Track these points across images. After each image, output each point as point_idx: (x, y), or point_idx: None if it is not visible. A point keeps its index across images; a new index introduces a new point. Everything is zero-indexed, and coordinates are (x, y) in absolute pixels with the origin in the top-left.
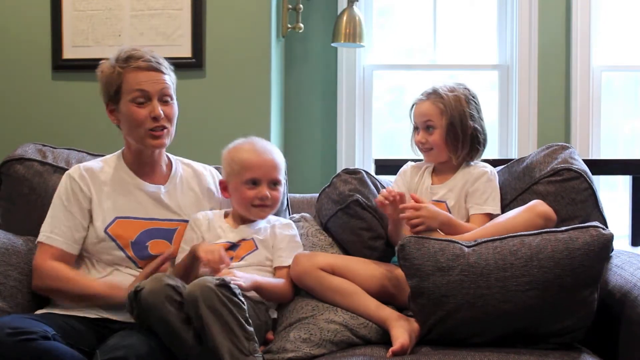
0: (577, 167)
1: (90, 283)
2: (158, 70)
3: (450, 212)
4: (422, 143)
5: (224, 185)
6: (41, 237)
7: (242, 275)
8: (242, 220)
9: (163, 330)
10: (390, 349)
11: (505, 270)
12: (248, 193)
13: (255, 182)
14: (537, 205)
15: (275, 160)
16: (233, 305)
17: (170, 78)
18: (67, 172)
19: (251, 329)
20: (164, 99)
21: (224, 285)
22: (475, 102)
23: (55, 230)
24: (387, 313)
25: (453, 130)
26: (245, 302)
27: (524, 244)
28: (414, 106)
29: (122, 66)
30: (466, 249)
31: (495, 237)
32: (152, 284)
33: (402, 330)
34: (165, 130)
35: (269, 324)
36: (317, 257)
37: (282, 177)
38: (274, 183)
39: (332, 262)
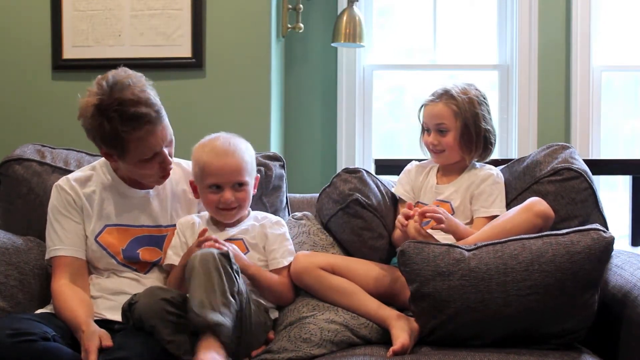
0: (577, 166)
1: (78, 319)
2: (162, 119)
3: (454, 212)
4: (434, 145)
5: (194, 186)
6: (51, 253)
7: (242, 256)
8: (224, 225)
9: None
10: (391, 349)
11: (506, 274)
12: (211, 197)
13: (217, 187)
14: (535, 204)
15: (237, 161)
16: (225, 273)
17: (163, 112)
18: (56, 184)
19: (232, 300)
20: (168, 144)
21: (225, 255)
22: (486, 103)
23: (64, 240)
24: (387, 313)
25: (467, 132)
26: (238, 280)
27: (524, 248)
28: (424, 107)
29: (124, 130)
30: (466, 254)
31: (496, 241)
32: (146, 298)
33: (402, 330)
34: (169, 171)
35: (268, 324)
36: (317, 257)
37: (248, 175)
38: (239, 184)
39: (332, 261)
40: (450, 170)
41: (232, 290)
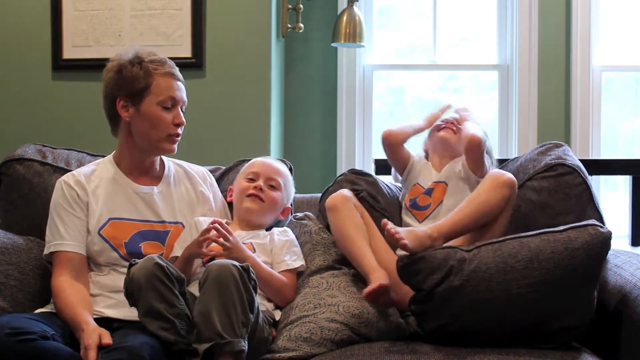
0: (570, 162)
1: (79, 318)
2: (182, 82)
3: (447, 187)
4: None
5: (230, 192)
6: (51, 248)
7: (241, 246)
8: (241, 227)
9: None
10: (364, 290)
11: (506, 273)
12: (244, 184)
13: (254, 177)
14: (498, 177)
15: (279, 167)
16: (245, 289)
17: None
18: (60, 179)
19: (250, 316)
20: (182, 109)
21: (245, 268)
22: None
23: (65, 235)
24: (377, 269)
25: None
26: (255, 295)
27: (523, 246)
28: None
29: (153, 67)
30: (466, 255)
31: (494, 240)
32: (143, 261)
33: (380, 276)
34: (179, 137)
35: (269, 340)
36: (355, 200)
37: (282, 184)
38: (271, 184)
39: (363, 213)
40: (445, 157)
41: (251, 306)
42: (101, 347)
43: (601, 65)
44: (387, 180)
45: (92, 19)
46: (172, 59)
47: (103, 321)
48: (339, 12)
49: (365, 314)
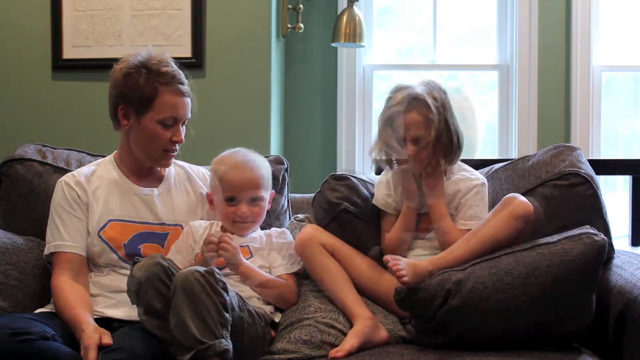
0: (584, 172)
1: (79, 318)
2: (189, 96)
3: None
4: (411, 156)
5: (210, 199)
6: (51, 249)
7: (241, 259)
8: (234, 232)
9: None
10: (333, 350)
11: (503, 291)
12: (227, 210)
13: (233, 200)
14: (515, 207)
15: (255, 176)
16: (214, 292)
17: (190, 93)
18: (61, 180)
19: (228, 315)
20: (184, 124)
21: (209, 272)
22: (450, 103)
23: (65, 236)
24: (359, 312)
25: (440, 142)
26: (227, 296)
27: (518, 262)
28: (395, 114)
29: (160, 81)
30: (461, 275)
31: (489, 257)
32: (146, 259)
33: (356, 336)
34: (175, 153)
35: (267, 337)
36: (323, 234)
37: (265, 190)
38: (254, 199)
39: (336, 245)
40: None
41: (225, 306)
42: (101, 347)
43: (601, 65)
44: (374, 177)
45: (92, 19)
46: (172, 59)
47: (103, 321)
48: (339, 12)
49: None
